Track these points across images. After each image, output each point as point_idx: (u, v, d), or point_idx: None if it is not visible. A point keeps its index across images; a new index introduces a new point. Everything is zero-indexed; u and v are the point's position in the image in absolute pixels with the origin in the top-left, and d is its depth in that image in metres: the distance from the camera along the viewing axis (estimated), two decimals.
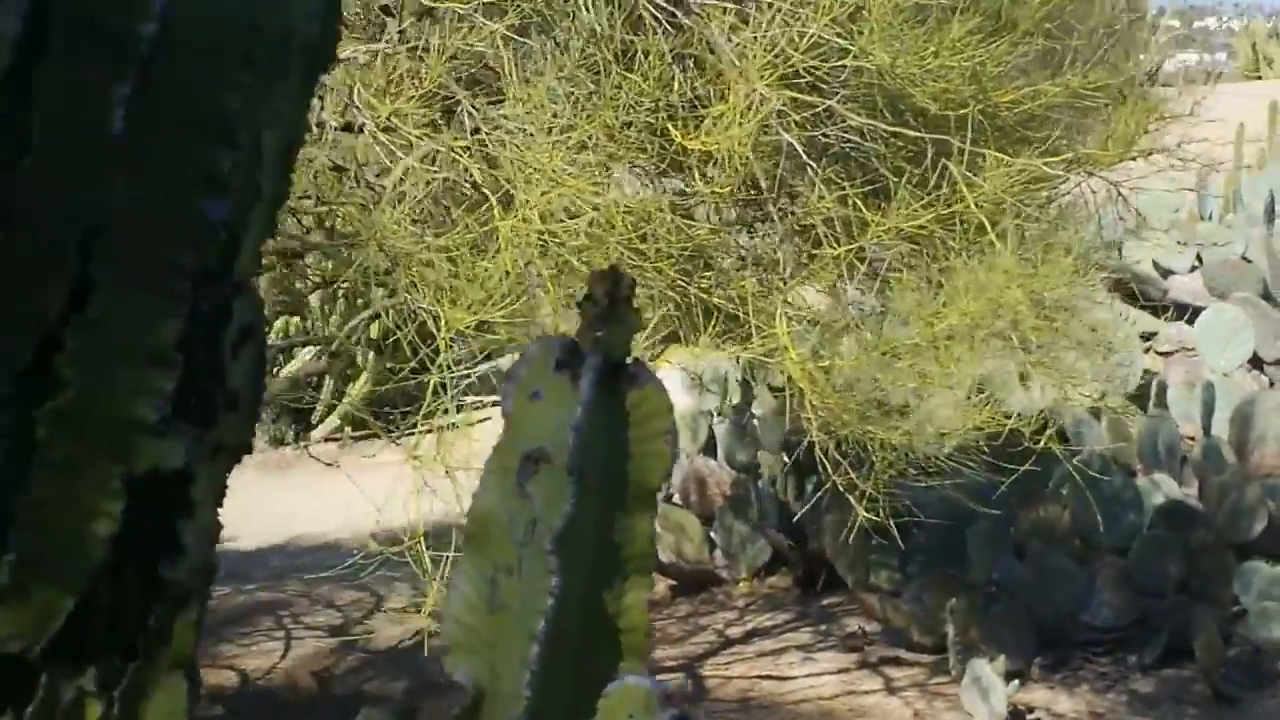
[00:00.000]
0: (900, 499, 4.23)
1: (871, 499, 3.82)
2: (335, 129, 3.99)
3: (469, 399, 4.02)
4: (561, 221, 3.55)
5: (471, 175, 3.77)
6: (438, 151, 3.79)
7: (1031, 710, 5.58)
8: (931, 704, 5.74)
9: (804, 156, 3.65)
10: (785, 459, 6.45)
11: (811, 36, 3.40)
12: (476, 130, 3.73)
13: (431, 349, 3.87)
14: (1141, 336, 7.79)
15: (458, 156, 3.73)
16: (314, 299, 8.59)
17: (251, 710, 5.76)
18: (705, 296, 3.84)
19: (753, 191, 3.96)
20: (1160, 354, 7.92)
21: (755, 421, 6.75)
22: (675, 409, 1.04)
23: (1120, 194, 3.92)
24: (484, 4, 3.71)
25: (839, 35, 3.43)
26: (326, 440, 9.09)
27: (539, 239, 3.56)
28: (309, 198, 4.30)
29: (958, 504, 5.13)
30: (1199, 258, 8.47)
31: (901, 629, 6.03)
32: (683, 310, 3.91)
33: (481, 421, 4.17)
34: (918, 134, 3.59)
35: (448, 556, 3.99)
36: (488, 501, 0.99)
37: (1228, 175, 9.28)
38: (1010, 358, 3.95)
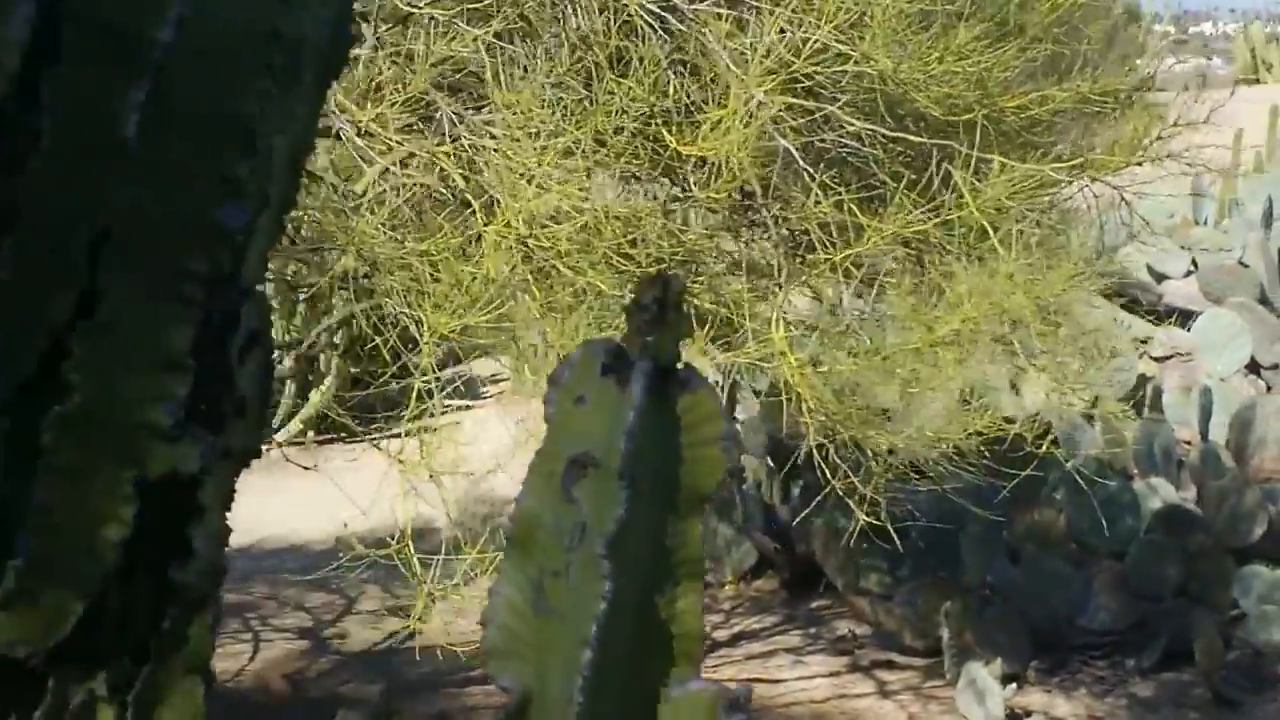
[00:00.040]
0: (900, 503, 4.23)
1: (868, 502, 3.82)
2: None
3: (434, 402, 4.02)
4: (546, 226, 3.54)
5: (453, 180, 3.76)
6: (413, 155, 3.78)
7: (1029, 714, 5.58)
8: (926, 707, 5.74)
9: (800, 162, 3.65)
10: (770, 462, 6.46)
11: (814, 43, 3.40)
12: (456, 138, 3.73)
13: (414, 353, 3.87)
14: (1137, 341, 7.80)
15: (440, 162, 3.72)
16: (273, 304, 8.59)
17: (222, 713, 5.72)
18: (698, 302, 3.84)
19: (746, 199, 3.96)
20: (1155, 359, 7.93)
21: (739, 426, 6.76)
22: None
23: (1124, 199, 3.93)
24: (467, 10, 3.71)
25: (840, 40, 3.43)
26: (288, 444, 9.07)
27: (521, 245, 3.56)
28: None
29: (950, 507, 5.13)
30: (1194, 262, 8.49)
31: (893, 632, 6.03)
32: None
33: (451, 425, 4.17)
34: (920, 139, 3.59)
35: (439, 559, 3.98)
36: (531, 505, 0.98)
37: (1224, 180, 9.29)
38: (1010, 362, 3.96)
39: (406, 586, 5.76)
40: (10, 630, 1.11)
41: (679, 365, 1.00)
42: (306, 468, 6.42)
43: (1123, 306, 7.68)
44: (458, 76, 3.88)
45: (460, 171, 3.74)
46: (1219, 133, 4.17)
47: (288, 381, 9.13)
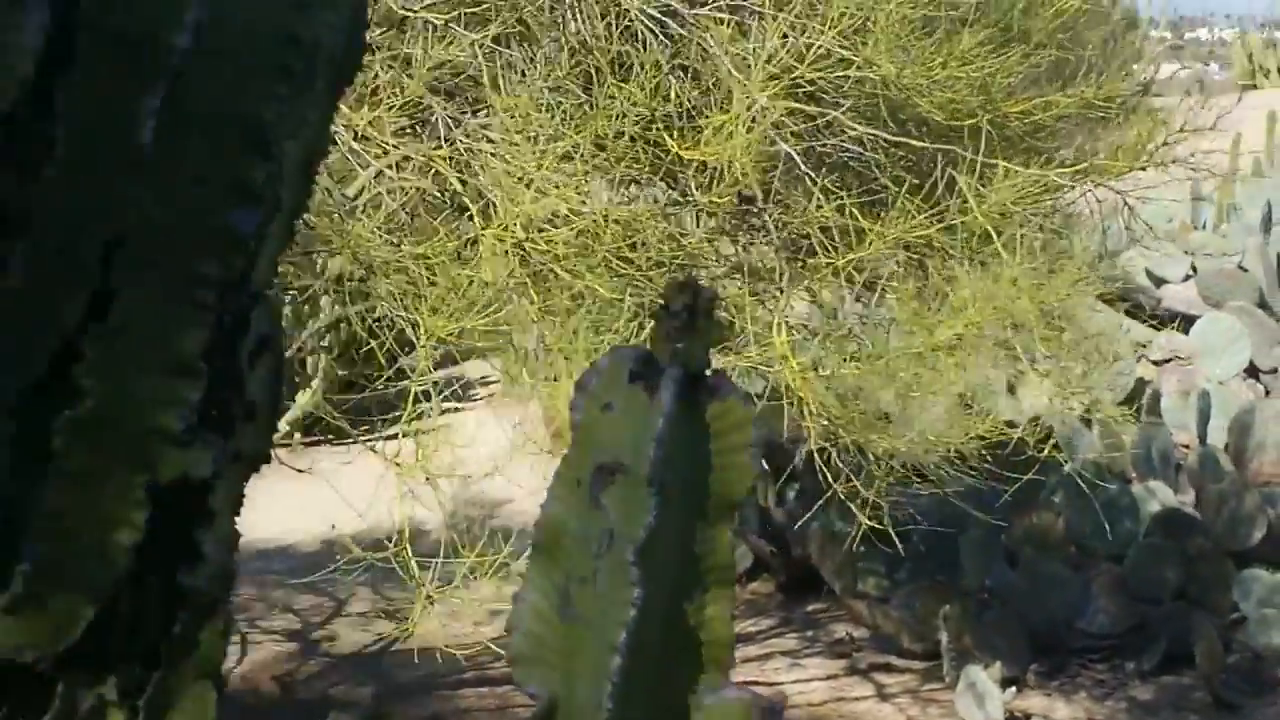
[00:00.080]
0: (903, 507, 4.23)
1: (870, 506, 3.83)
2: None
3: (431, 405, 4.02)
4: (543, 230, 3.54)
5: (449, 184, 3.76)
6: (408, 159, 3.78)
7: (1028, 717, 5.58)
8: (925, 710, 5.74)
9: (802, 166, 3.65)
10: (765, 465, 6.46)
11: (817, 49, 3.40)
12: (452, 141, 3.72)
13: (408, 356, 3.86)
14: (1135, 345, 7.80)
15: (437, 165, 3.72)
16: None
17: None
18: None
19: (746, 203, 3.96)
20: (1153, 362, 7.94)
21: None
22: None
23: (1127, 204, 3.93)
24: (465, 14, 3.70)
25: (843, 45, 3.43)
26: (276, 445, 9.01)
27: (517, 250, 3.56)
28: None
29: (950, 511, 5.14)
30: (1193, 267, 8.50)
31: (891, 635, 6.03)
32: None
33: (447, 427, 4.17)
34: (922, 144, 3.59)
35: (438, 562, 3.98)
36: (557, 511, 0.98)
37: (1222, 184, 9.30)
38: (1011, 366, 3.96)
39: (397, 589, 5.75)
40: (18, 635, 1.11)
41: (708, 372, 1.00)
42: (300, 470, 6.42)
43: (1126, 312, 7.68)
44: (455, 81, 3.88)
45: (457, 175, 3.73)
46: (1218, 137, 4.17)
47: None
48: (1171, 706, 5.59)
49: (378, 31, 3.84)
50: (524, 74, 3.64)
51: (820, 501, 4.10)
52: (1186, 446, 6.81)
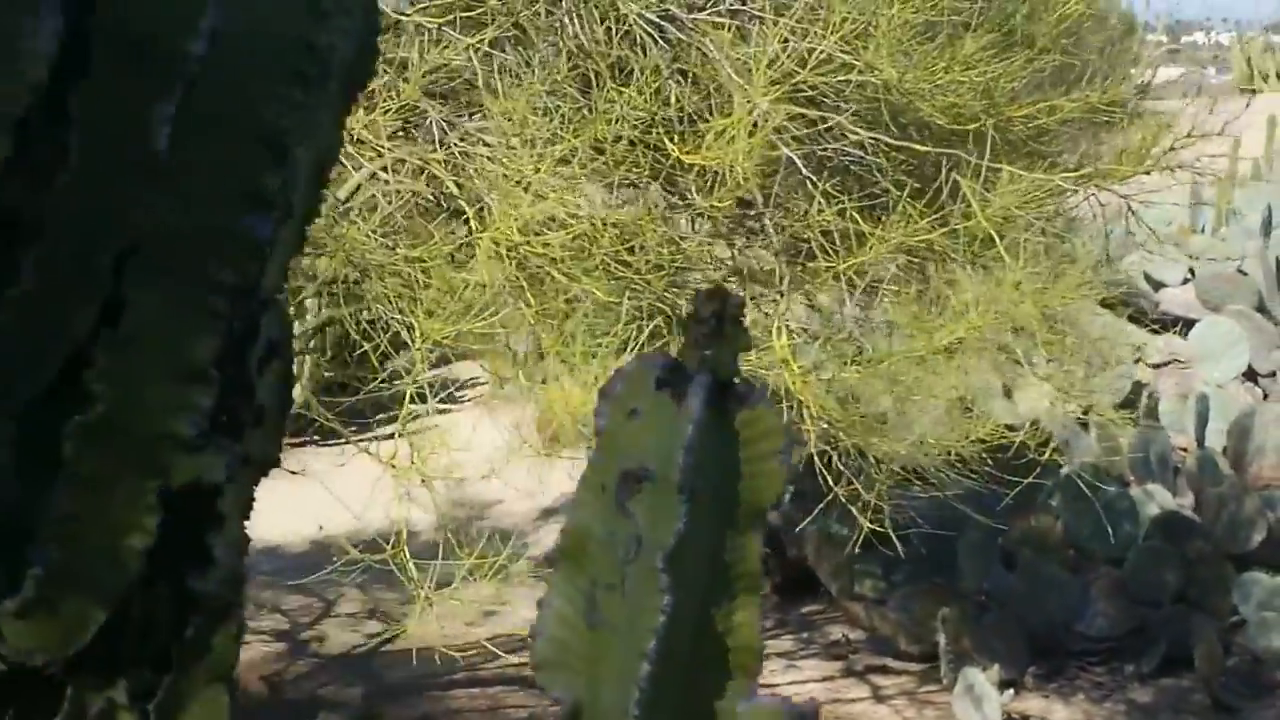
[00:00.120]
0: (904, 510, 4.24)
1: (871, 509, 3.83)
2: None
3: (428, 406, 4.02)
4: (540, 234, 3.54)
5: (445, 187, 3.76)
6: (403, 161, 3.78)
7: (1027, 719, 5.59)
8: (921, 712, 5.74)
9: (803, 171, 3.65)
10: None
11: (819, 53, 3.40)
12: (447, 144, 3.72)
13: (397, 358, 3.86)
14: (1134, 348, 7.80)
15: (432, 168, 3.72)
16: None
17: None
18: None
19: (745, 207, 3.96)
20: (1151, 365, 7.94)
21: None
22: None
23: (1130, 208, 3.93)
24: (460, 18, 3.70)
25: (844, 51, 3.43)
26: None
27: (510, 254, 3.55)
28: None
29: (950, 514, 5.14)
30: (1191, 270, 8.50)
31: (888, 637, 6.03)
32: (673, 322, 3.90)
33: (444, 428, 4.17)
34: (925, 148, 3.60)
35: (436, 564, 3.98)
36: (583, 517, 0.98)
37: (1221, 188, 9.31)
38: (1011, 370, 3.97)
39: (386, 589, 5.73)
40: (28, 638, 1.11)
41: (736, 379, 1.00)
42: (294, 472, 6.41)
43: (1135, 321, 7.69)
44: (451, 84, 3.88)
45: (453, 178, 3.73)
46: (1217, 141, 4.18)
47: None
48: (1170, 709, 5.60)
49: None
50: (519, 77, 3.64)
51: (822, 505, 4.11)
52: (1185, 450, 6.81)
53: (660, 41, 3.68)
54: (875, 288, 3.93)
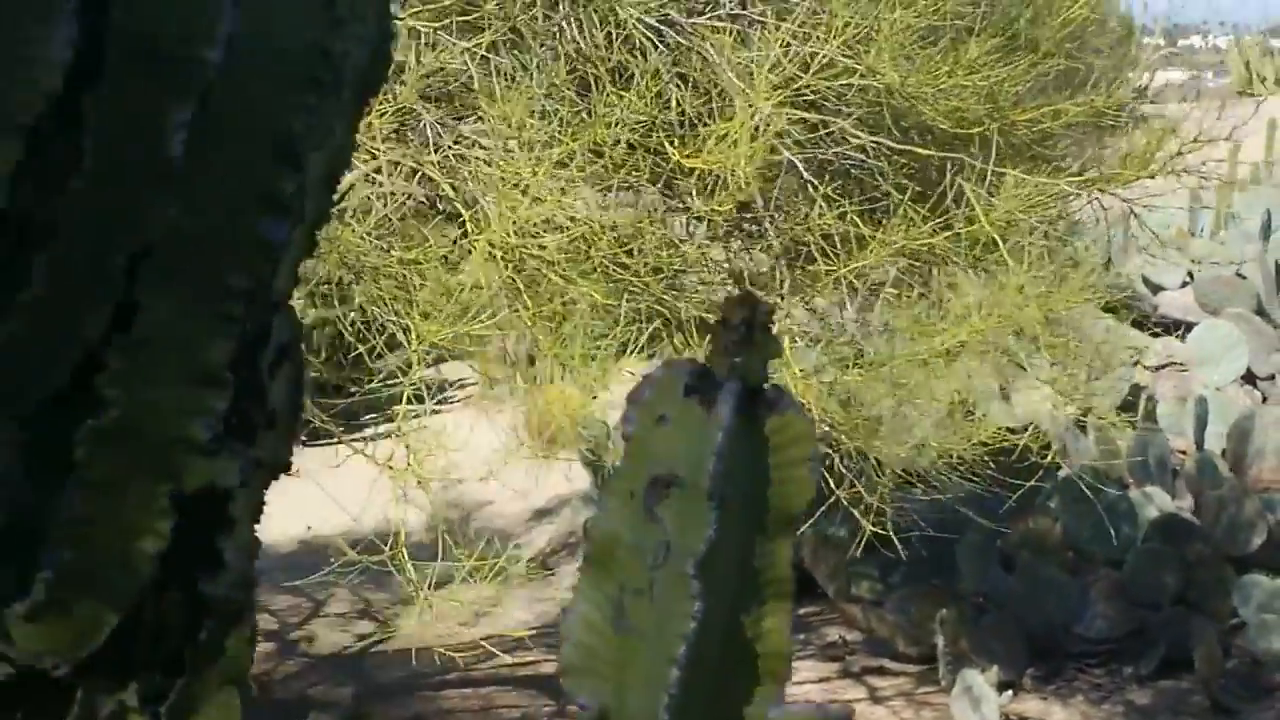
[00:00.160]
0: (906, 513, 4.24)
1: (873, 511, 3.83)
2: None
3: (420, 407, 4.02)
4: (536, 236, 3.54)
5: (442, 189, 3.76)
6: (397, 164, 3.78)
7: None
8: (919, 713, 5.74)
9: (804, 174, 3.65)
10: None
11: (821, 58, 3.41)
12: (440, 147, 3.72)
13: (379, 359, 3.86)
14: (1132, 351, 7.81)
15: (428, 171, 3.71)
16: None
17: None
18: (695, 312, 3.84)
19: (744, 210, 3.96)
20: (1149, 368, 7.94)
21: None
22: None
23: (1133, 212, 3.94)
24: (457, 22, 3.70)
25: (846, 55, 3.43)
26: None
27: (506, 257, 3.55)
28: None
29: (950, 516, 5.14)
30: (1189, 274, 8.51)
31: (885, 639, 6.04)
32: (672, 325, 3.91)
33: (440, 429, 4.17)
34: (927, 152, 3.60)
35: (436, 566, 3.98)
36: (610, 523, 0.98)
37: (1221, 192, 9.32)
38: (1012, 372, 3.97)
39: (376, 590, 5.72)
40: (39, 641, 1.11)
41: (766, 386, 1.00)
42: (289, 474, 6.37)
43: (1132, 322, 7.69)
44: (447, 88, 3.88)
45: (449, 181, 3.73)
46: (1219, 146, 4.18)
47: None
48: (1169, 711, 5.60)
49: None
50: (515, 80, 3.63)
51: (824, 507, 4.11)
52: (1183, 453, 6.82)
53: (660, 46, 3.68)
54: (876, 291, 3.94)
